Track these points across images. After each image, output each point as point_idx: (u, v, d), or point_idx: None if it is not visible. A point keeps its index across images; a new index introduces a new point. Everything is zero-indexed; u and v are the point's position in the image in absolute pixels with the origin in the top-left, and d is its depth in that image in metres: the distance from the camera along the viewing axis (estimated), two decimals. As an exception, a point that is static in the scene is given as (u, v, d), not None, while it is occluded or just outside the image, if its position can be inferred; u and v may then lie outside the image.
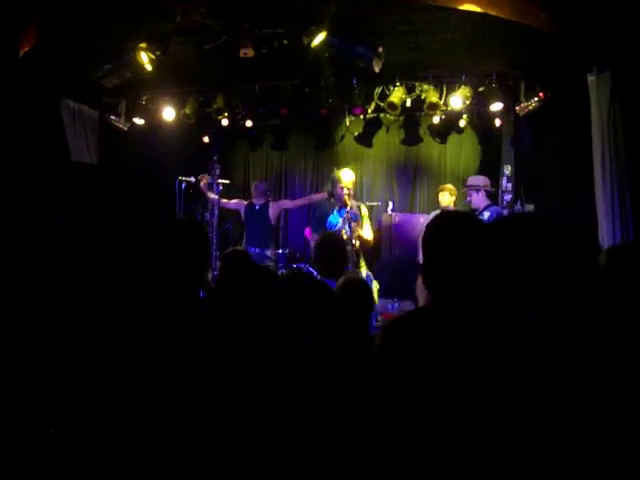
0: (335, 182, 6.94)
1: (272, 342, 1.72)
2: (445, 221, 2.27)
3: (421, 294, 4.03)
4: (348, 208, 6.72)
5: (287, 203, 8.38)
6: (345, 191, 6.77)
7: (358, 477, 1.67)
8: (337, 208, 6.91)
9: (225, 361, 1.27)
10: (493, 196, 7.51)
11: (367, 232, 7.04)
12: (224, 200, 8.06)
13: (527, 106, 7.44)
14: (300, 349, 1.85)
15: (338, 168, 7.22)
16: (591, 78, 6.22)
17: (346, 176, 6.89)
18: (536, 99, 7.26)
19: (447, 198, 7.92)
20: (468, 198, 7.30)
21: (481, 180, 7.27)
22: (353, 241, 6.74)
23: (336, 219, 6.87)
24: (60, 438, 0.98)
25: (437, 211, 7.88)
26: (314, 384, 1.79)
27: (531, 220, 2.06)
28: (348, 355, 2.04)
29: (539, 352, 1.79)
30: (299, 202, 8.40)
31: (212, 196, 7.71)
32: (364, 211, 7.05)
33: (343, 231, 6.69)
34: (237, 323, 1.96)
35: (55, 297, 1.10)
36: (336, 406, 1.79)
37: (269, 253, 7.51)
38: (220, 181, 7.63)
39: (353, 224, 6.72)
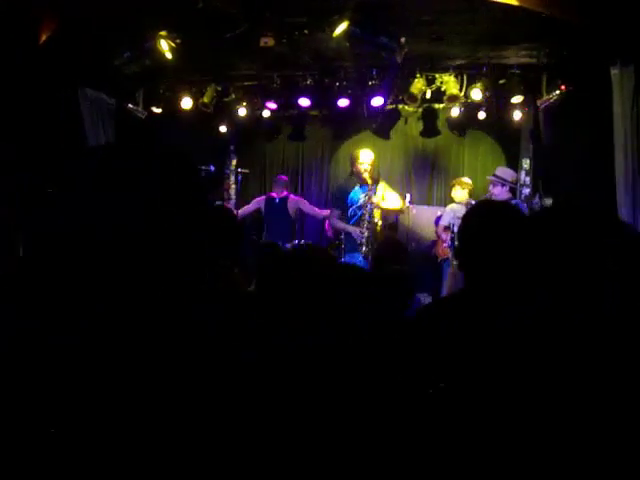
0: (354, 160, 6.98)
1: (272, 341, 1.70)
2: (486, 209, 2.27)
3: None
4: (369, 185, 6.75)
5: (305, 205, 8.40)
6: (365, 167, 6.81)
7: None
8: (358, 185, 6.93)
9: (227, 361, 1.24)
10: (512, 190, 7.48)
11: (395, 201, 7.07)
12: (246, 207, 8.22)
13: (548, 99, 7.38)
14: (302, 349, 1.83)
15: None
16: (614, 71, 6.15)
17: (365, 154, 6.93)
18: (558, 92, 7.20)
19: (459, 193, 7.90)
20: (491, 188, 7.27)
21: (510, 175, 7.28)
22: (376, 220, 6.78)
23: (357, 195, 6.89)
24: (60, 438, 0.96)
25: (453, 205, 7.86)
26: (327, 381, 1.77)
27: (567, 210, 2.05)
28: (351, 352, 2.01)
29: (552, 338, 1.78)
30: (315, 211, 8.42)
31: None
32: (382, 186, 7.06)
33: (365, 209, 6.72)
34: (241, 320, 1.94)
35: (62, 292, 1.07)
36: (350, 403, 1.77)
37: (289, 246, 7.53)
38: (240, 170, 7.65)
39: (373, 200, 6.75)
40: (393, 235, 6.46)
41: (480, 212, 2.29)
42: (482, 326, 1.90)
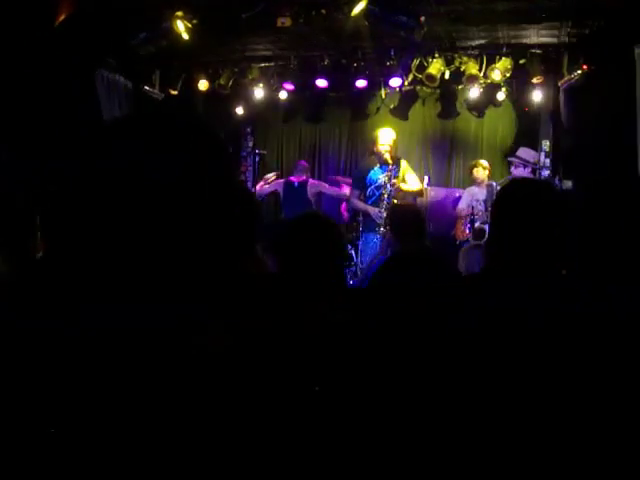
0: (375, 141, 6.95)
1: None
2: (522, 188, 2.20)
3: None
4: (390, 166, 6.71)
5: (325, 187, 8.41)
6: (386, 148, 6.77)
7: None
8: (378, 165, 6.89)
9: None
10: (534, 171, 7.44)
11: (414, 183, 7.04)
12: (264, 186, 8.20)
13: (569, 79, 7.27)
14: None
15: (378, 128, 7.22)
16: (638, 51, 6.05)
17: (385, 134, 6.89)
18: (579, 72, 7.09)
19: (481, 173, 7.84)
20: (512, 169, 7.23)
21: (531, 156, 7.25)
22: (395, 201, 6.74)
23: (377, 175, 6.86)
24: (60, 438, 0.93)
25: (471, 187, 7.82)
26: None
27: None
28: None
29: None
30: (335, 191, 8.42)
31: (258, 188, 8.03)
32: (404, 165, 7.03)
33: (384, 190, 6.68)
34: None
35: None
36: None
37: None
38: (257, 152, 7.64)
39: (394, 181, 6.71)
40: (412, 205, 6.37)
41: (521, 190, 2.20)
42: (509, 313, 1.86)
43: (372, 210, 6.76)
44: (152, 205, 1.02)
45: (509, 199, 2.16)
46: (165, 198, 1.02)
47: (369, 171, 6.93)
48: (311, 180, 8.41)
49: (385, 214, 6.57)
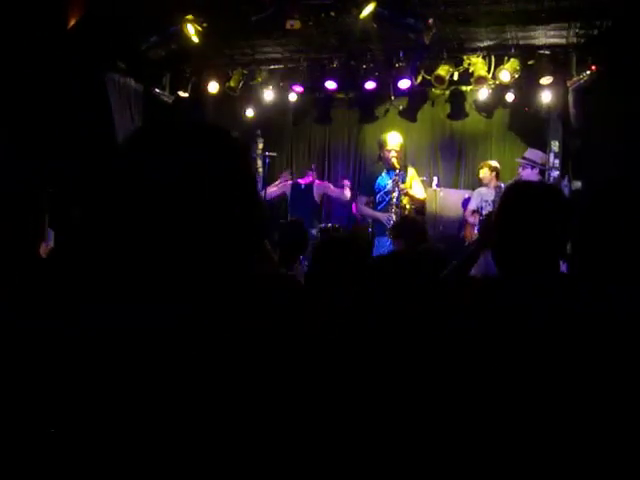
0: (382, 145, 6.93)
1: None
2: (527, 190, 2.20)
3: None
4: (397, 170, 6.70)
5: (331, 189, 8.44)
6: (393, 154, 6.76)
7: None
8: (385, 171, 6.89)
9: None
10: (542, 172, 7.41)
11: (418, 191, 7.02)
12: (273, 189, 8.24)
13: (578, 80, 7.25)
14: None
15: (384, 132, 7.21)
16: (647, 50, 6.04)
17: (393, 139, 6.87)
18: (588, 73, 7.07)
19: (487, 174, 7.83)
20: (520, 171, 7.20)
21: (539, 157, 7.20)
22: (404, 204, 6.74)
23: (384, 181, 6.86)
24: (60, 438, 0.95)
25: (481, 188, 7.80)
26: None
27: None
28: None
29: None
30: (340, 194, 8.48)
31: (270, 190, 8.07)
32: (411, 172, 7.01)
33: (393, 194, 6.67)
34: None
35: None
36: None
37: (314, 231, 7.54)
38: (267, 154, 7.66)
39: (401, 186, 6.70)
40: (410, 215, 6.40)
41: (522, 193, 2.19)
42: (514, 320, 1.86)
43: (382, 216, 6.76)
44: (152, 205, 1.04)
45: (509, 202, 2.16)
46: (164, 198, 1.04)
47: (377, 177, 6.93)
48: (317, 181, 8.44)
49: (395, 218, 6.57)
